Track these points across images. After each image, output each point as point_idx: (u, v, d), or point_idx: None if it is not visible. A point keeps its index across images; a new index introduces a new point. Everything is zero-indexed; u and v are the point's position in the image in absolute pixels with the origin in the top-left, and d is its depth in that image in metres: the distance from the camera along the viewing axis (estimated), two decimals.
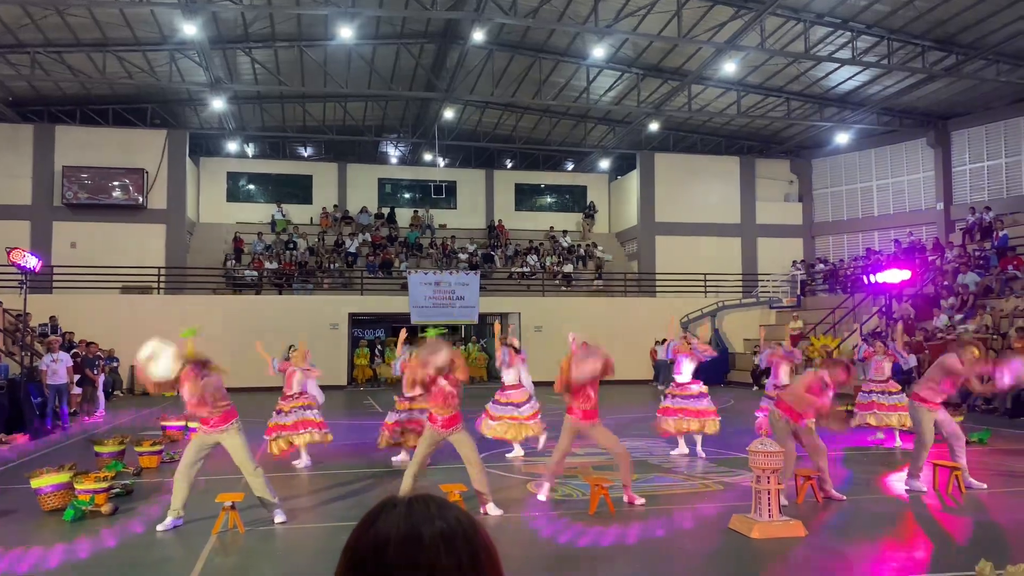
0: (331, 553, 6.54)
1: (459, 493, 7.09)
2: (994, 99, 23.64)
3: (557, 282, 27.63)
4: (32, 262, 15.20)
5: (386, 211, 29.81)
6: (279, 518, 7.01)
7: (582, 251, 29.24)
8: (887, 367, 11.90)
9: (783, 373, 11.48)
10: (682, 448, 10.86)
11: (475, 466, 7.28)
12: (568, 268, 28.06)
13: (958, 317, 19.65)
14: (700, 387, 10.98)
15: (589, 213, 31.26)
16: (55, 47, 20.81)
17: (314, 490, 8.67)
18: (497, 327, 11.83)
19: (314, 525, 7.17)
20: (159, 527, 6.78)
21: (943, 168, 25.51)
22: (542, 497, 7.82)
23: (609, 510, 7.32)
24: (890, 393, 11.56)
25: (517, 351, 10.96)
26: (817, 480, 7.81)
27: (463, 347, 27.06)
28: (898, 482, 8.79)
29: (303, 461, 10.06)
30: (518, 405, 10.52)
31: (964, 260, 22.05)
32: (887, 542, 6.41)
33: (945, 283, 21.71)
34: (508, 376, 10.82)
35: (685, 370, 11.04)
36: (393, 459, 10.42)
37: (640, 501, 7.61)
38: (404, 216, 30.09)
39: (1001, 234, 21.84)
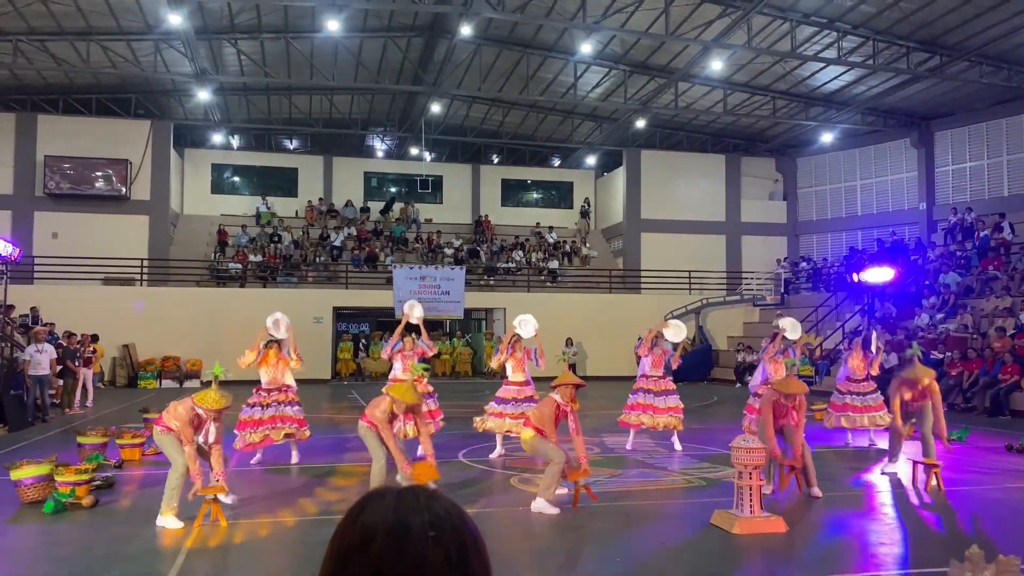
0: (310, 547, 6.58)
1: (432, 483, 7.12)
2: (977, 101, 23.85)
3: (543, 278, 27.64)
4: (8, 249, 15.00)
5: (382, 203, 29.75)
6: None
7: (568, 247, 29.28)
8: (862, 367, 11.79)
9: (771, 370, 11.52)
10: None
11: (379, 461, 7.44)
12: (554, 264, 28.06)
13: (939, 316, 19.85)
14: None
15: (585, 212, 31.21)
16: (38, 35, 20.57)
17: (295, 484, 8.65)
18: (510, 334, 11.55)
19: (294, 519, 7.15)
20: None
21: (926, 168, 25.73)
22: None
23: (592, 500, 7.34)
24: (864, 394, 11.49)
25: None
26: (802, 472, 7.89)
27: (448, 342, 27.04)
28: (878, 479, 8.89)
29: (294, 457, 9.86)
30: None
31: (946, 260, 22.27)
32: (868, 538, 6.47)
33: (927, 283, 21.91)
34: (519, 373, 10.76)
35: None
36: None
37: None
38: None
39: (982, 235, 22.06)
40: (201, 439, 6.99)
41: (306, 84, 24.34)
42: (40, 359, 14.01)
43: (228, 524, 6.72)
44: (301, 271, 26.03)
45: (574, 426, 7.51)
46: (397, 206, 30.04)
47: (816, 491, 7.81)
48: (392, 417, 7.53)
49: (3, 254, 14.56)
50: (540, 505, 7.24)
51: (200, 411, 6.84)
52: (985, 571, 3.28)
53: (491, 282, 26.99)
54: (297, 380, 10.40)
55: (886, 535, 6.58)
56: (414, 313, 10.99)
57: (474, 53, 22.32)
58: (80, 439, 9.77)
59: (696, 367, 24.57)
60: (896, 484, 8.61)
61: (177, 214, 27.44)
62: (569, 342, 24.65)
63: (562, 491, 7.93)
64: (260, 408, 9.68)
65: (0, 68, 21.92)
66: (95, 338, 18.60)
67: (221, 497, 6.82)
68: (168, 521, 6.62)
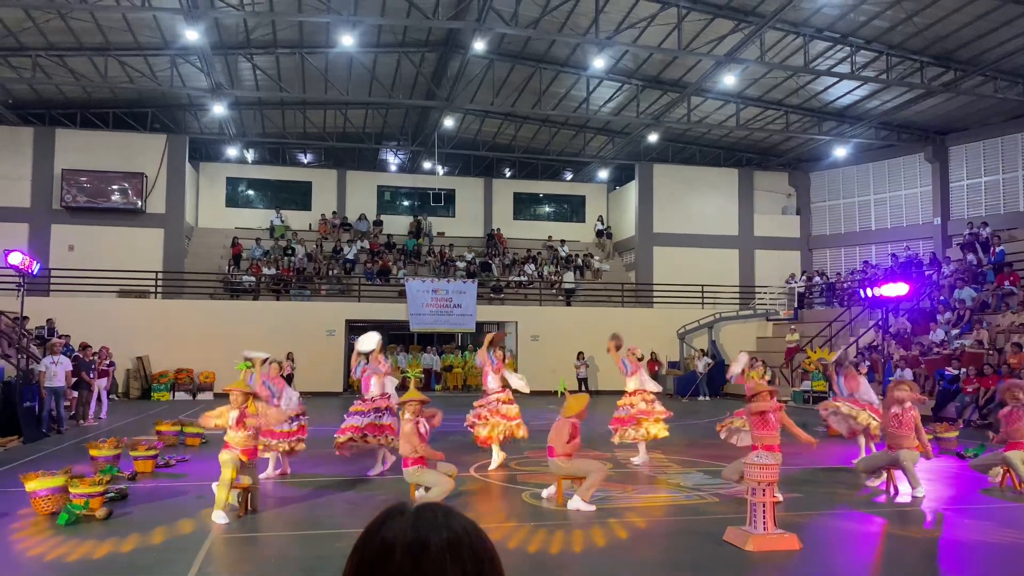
0: (324, 559, 6.55)
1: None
2: (992, 115, 23.75)
3: (554, 291, 27.63)
4: (33, 267, 15.18)
5: (395, 216, 29.85)
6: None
7: (580, 261, 29.28)
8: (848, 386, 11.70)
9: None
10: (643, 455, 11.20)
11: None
12: (569, 278, 27.81)
13: (954, 332, 19.70)
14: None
15: (607, 233, 31.11)
16: (57, 50, 20.85)
17: (307, 497, 8.65)
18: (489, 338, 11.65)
19: (310, 531, 7.16)
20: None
21: (940, 183, 25.61)
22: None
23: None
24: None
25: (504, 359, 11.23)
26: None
27: (460, 355, 27.06)
28: (902, 496, 8.81)
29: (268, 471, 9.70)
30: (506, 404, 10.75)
31: (961, 275, 22.11)
32: (882, 555, 6.42)
33: (942, 298, 21.77)
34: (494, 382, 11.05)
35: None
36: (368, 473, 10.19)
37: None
38: (403, 223, 30.16)
39: (998, 250, 21.91)
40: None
41: (320, 99, 24.54)
42: (56, 371, 14.12)
43: (242, 537, 6.73)
44: (314, 284, 26.13)
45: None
46: (405, 220, 30.17)
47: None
48: (421, 434, 7.91)
49: (22, 267, 14.73)
50: (576, 503, 7.83)
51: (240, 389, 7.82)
52: None
53: (501, 297, 26.99)
54: (310, 392, 10.46)
55: (900, 553, 6.52)
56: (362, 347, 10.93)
57: (487, 68, 22.44)
58: (92, 451, 9.82)
59: (709, 383, 24.45)
60: (910, 501, 8.53)
61: (192, 227, 27.63)
62: (580, 356, 24.62)
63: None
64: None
65: (19, 83, 22.23)
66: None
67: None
68: (218, 516, 7.26)
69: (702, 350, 25.32)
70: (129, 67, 21.86)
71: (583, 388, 24.38)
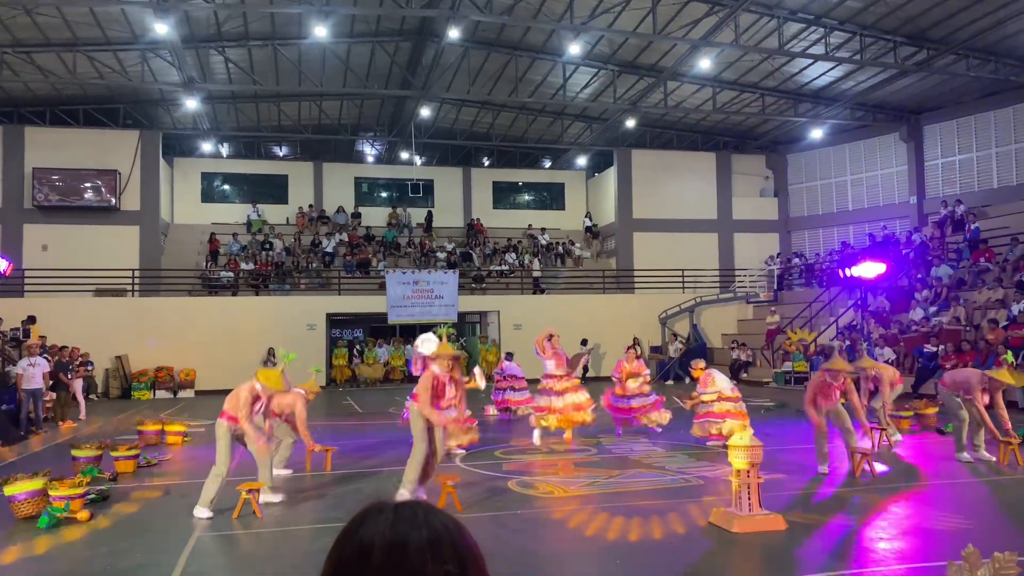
0: (309, 556, 6.50)
1: (451, 484, 7.43)
2: (965, 94, 23.94)
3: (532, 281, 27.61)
4: (1, 265, 14.95)
5: (373, 208, 29.70)
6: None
7: (560, 248, 29.26)
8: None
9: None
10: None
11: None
12: (536, 266, 27.71)
13: (932, 309, 19.91)
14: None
15: (596, 233, 30.96)
16: (24, 47, 20.47)
17: (296, 492, 8.59)
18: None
19: (294, 528, 7.11)
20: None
21: (916, 162, 25.81)
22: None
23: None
24: None
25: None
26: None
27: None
28: (880, 474, 8.89)
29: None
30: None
31: (936, 251, 22.34)
32: (868, 533, 6.47)
33: (919, 276, 21.98)
34: None
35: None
36: None
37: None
38: (380, 215, 30.00)
39: (973, 227, 22.15)
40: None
41: (294, 91, 24.27)
42: (33, 373, 13.92)
43: (225, 535, 6.67)
44: (293, 278, 25.95)
45: (457, 394, 7.96)
46: (383, 211, 30.05)
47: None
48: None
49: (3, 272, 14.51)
50: (402, 493, 7.60)
51: (259, 386, 7.59)
52: (981, 569, 3.26)
53: (483, 287, 26.96)
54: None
55: (885, 531, 6.58)
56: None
57: (462, 56, 22.30)
58: (75, 452, 9.73)
59: (682, 366, 24.56)
60: (895, 480, 8.62)
61: (168, 223, 27.32)
62: (584, 342, 24.69)
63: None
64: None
65: None
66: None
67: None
68: (202, 512, 7.30)
69: (675, 334, 25.58)
70: (98, 62, 21.50)
71: (584, 374, 24.43)
